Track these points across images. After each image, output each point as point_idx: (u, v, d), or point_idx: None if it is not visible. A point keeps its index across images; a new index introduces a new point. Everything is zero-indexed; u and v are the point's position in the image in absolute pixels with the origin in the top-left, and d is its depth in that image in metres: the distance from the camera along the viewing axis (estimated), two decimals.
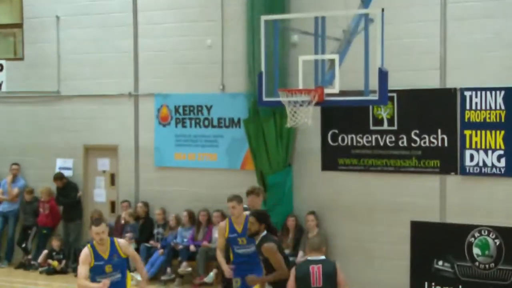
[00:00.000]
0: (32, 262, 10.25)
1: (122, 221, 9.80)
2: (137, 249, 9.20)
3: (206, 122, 9.45)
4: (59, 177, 10.21)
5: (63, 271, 9.95)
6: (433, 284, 7.71)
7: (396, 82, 6.83)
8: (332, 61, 6.39)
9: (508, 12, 7.31)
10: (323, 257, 4.64)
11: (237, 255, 5.68)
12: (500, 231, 7.39)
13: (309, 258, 4.72)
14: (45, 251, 10.17)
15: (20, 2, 11.05)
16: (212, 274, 8.69)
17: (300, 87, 6.37)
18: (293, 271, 4.65)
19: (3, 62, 10.58)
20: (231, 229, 5.66)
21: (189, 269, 9.01)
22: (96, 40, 10.20)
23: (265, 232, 5.06)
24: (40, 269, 10.05)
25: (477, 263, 7.46)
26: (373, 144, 8.24)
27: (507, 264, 7.28)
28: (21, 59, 11.10)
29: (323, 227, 8.23)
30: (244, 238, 5.47)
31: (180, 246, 9.09)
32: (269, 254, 4.93)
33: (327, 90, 6.32)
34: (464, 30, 7.57)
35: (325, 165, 8.55)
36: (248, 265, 5.56)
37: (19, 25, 11.16)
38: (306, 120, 6.57)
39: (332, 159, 8.56)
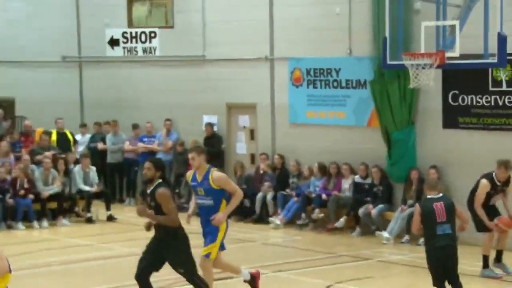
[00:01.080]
0: (185, 205, 11.23)
1: (261, 171, 10.87)
2: (274, 197, 10.43)
3: (335, 83, 10.24)
4: (209, 124, 11.75)
5: None
6: None
7: None
8: (453, 27, 6.87)
9: None
10: (441, 194, 5.14)
11: (198, 205, 5.62)
12: None
13: (429, 196, 5.12)
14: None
15: None
16: (342, 220, 9.47)
17: (422, 51, 6.94)
18: (418, 209, 5.07)
19: (156, 30, 12.14)
20: (193, 177, 5.54)
21: (321, 215, 9.75)
22: (236, 10, 11.30)
23: (160, 180, 4.96)
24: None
25: None
26: (492, 104, 8.54)
27: None
28: (171, 27, 12.43)
29: (444, 181, 8.62)
30: (202, 189, 5.39)
31: (313, 195, 9.93)
32: (162, 200, 4.82)
33: (448, 54, 6.83)
34: None
35: (446, 123, 9.03)
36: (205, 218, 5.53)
37: None
38: (428, 82, 7.18)
39: (452, 117, 9.00)
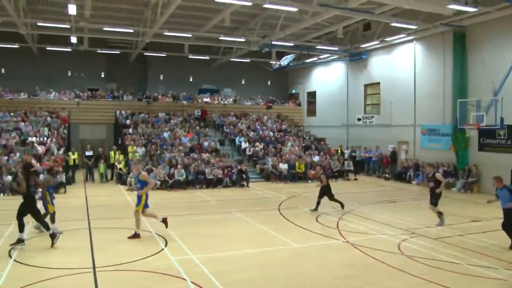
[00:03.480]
0: None
1: None
2: None
3: (439, 133, 26.99)
4: None
5: None
6: None
7: None
8: (482, 115, 23.14)
9: None
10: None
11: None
12: None
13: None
14: None
15: None
16: None
17: (471, 122, 23.63)
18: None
19: None
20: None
21: None
22: None
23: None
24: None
25: None
26: (501, 142, 24.15)
27: None
28: None
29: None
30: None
31: None
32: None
33: (481, 124, 23.19)
34: None
35: (479, 148, 24.90)
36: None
37: None
38: (472, 133, 24.43)
39: (481, 147, 24.60)
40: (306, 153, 30.63)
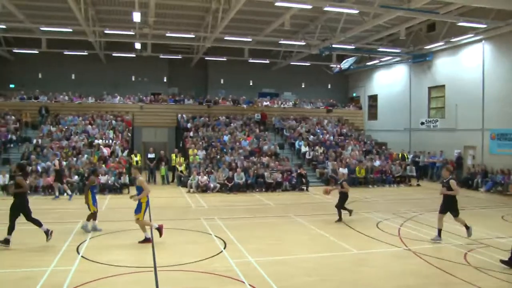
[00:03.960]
0: None
1: None
2: None
3: (509, 139, 25.69)
4: None
5: None
6: None
7: None
8: None
9: None
10: None
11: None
12: None
13: None
14: None
15: None
16: None
17: None
18: None
19: None
20: None
21: None
22: None
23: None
24: None
25: None
26: None
27: None
28: None
29: None
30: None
31: None
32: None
33: None
34: None
35: None
36: None
37: None
38: None
39: None
40: (367, 157, 30.00)
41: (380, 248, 12.18)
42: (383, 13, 22.57)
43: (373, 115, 39.62)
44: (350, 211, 15.96)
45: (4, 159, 26.43)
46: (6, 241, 11.53)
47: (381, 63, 36.51)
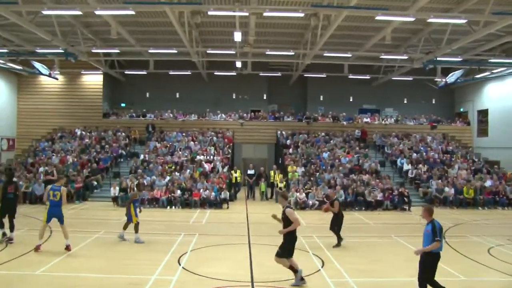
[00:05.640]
0: None
1: None
2: None
3: None
4: None
5: None
6: None
7: None
8: None
9: None
10: None
11: None
12: None
13: None
14: None
15: None
16: None
17: None
18: None
19: None
20: None
21: None
22: None
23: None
24: None
25: None
26: None
27: None
28: None
29: None
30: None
31: None
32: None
33: None
34: None
35: None
36: None
37: None
38: None
39: None
40: (476, 176, 28.01)
41: (492, 276, 11.19)
42: (496, 21, 21.03)
43: (483, 131, 36.93)
44: (339, 240, 14.38)
45: (115, 173, 28.43)
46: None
47: (492, 75, 34.04)
